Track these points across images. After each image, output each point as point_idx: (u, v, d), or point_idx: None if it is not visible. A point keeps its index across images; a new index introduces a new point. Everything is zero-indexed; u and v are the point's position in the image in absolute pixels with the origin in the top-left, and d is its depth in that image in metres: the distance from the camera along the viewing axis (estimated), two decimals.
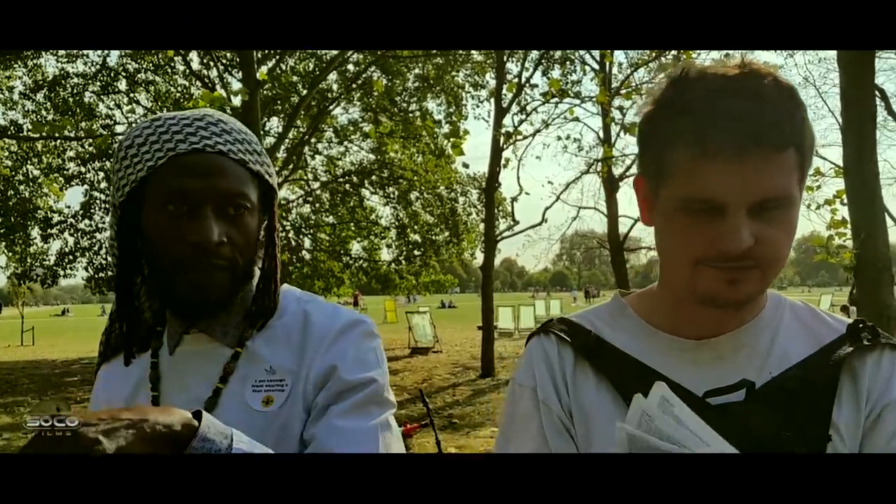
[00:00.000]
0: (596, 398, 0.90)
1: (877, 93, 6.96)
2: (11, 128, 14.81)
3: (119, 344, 1.07)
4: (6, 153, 15.79)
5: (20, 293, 25.06)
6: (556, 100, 11.13)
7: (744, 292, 0.82)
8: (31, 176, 15.81)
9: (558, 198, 14.24)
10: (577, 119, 12.69)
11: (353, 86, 14.87)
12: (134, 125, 1.00)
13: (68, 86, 15.42)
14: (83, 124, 14.92)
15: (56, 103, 15.17)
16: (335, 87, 16.30)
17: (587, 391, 0.91)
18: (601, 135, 14.04)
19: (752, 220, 0.78)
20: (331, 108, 16.10)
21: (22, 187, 15.82)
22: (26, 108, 15.69)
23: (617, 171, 13.53)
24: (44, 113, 15.35)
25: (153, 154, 0.93)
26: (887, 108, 10.44)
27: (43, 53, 14.84)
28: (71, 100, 15.30)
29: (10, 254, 16.01)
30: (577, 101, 12.71)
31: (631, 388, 0.81)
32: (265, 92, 15.40)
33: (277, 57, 15.60)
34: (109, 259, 1.09)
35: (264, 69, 14.69)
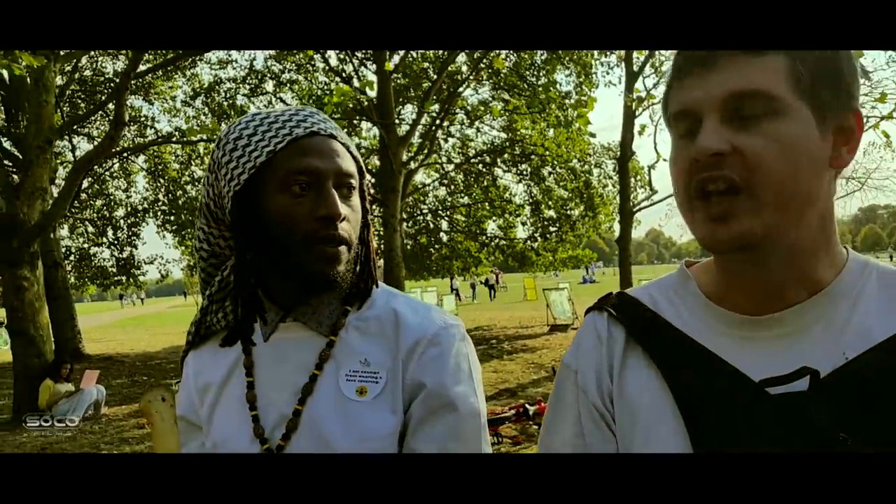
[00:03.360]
0: (644, 385, 0.79)
1: None
2: (176, 133, 16.33)
3: (210, 333, 1.12)
4: (173, 157, 17.51)
5: (193, 283, 27.64)
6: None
7: (736, 230, 0.70)
8: (195, 177, 17.42)
9: None
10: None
11: (482, 65, 14.91)
12: (234, 122, 1.03)
13: (222, 91, 16.72)
14: None
15: (212, 108, 16.50)
16: (464, 68, 16.43)
17: (635, 377, 0.80)
18: None
19: (728, 127, 0.70)
20: (461, 89, 16.28)
21: (189, 187, 17.49)
22: (187, 115, 17.25)
23: None
24: (202, 118, 16.77)
25: (269, 140, 0.96)
26: None
27: (198, 63, 16.22)
28: (225, 104, 16.57)
29: (183, 248, 17.74)
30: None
31: (679, 373, 0.76)
32: (398, 80, 15.87)
33: None
34: (197, 258, 1.13)
35: (395, 60, 15.11)
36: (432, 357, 1.00)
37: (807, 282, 0.75)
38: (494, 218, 18.44)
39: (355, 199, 1.02)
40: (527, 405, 6.38)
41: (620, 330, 0.84)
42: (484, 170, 18.10)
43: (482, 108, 17.23)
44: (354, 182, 1.01)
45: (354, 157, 1.02)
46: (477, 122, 17.80)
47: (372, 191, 15.63)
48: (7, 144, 14.20)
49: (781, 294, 0.75)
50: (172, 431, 0.99)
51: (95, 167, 15.21)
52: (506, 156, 17.48)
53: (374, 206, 17.08)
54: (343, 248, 0.98)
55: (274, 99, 17.12)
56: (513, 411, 6.28)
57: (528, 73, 16.63)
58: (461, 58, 15.83)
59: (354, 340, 1.02)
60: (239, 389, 1.03)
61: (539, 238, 17.88)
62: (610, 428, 0.81)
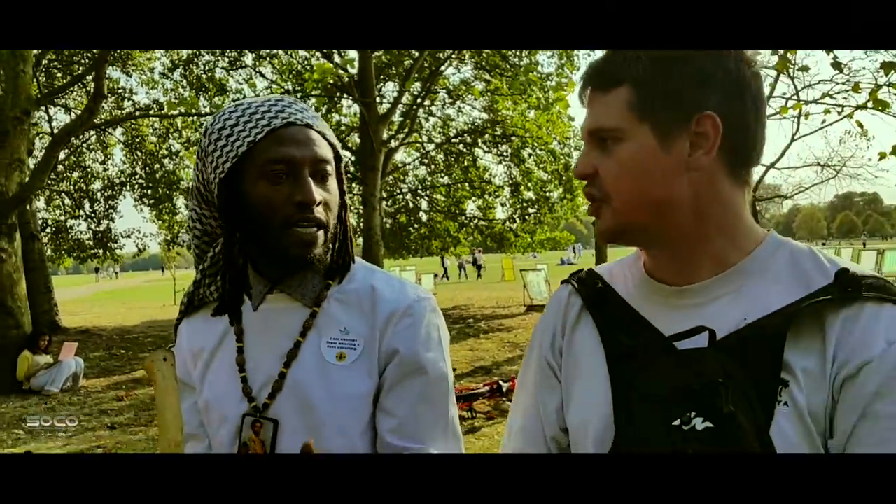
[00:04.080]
0: (587, 344, 0.95)
1: None
2: (154, 106, 16.11)
3: (203, 303, 1.21)
4: (151, 130, 17.27)
5: (171, 258, 27.39)
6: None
7: (601, 227, 0.91)
8: (173, 150, 17.22)
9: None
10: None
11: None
12: (218, 112, 1.11)
13: (200, 63, 16.47)
14: (216, 99, 15.94)
15: (191, 81, 16.24)
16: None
17: (582, 337, 0.96)
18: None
19: (595, 151, 0.89)
20: (443, 68, 16.21)
21: (166, 160, 17.28)
22: (166, 87, 16.99)
23: None
24: (180, 91, 16.55)
25: (250, 131, 1.04)
26: None
27: None
28: (204, 77, 16.34)
29: (160, 222, 17.58)
30: None
31: (613, 334, 0.92)
32: (380, 57, 15.75)
33: None
34: (191, 236, 1.21)
35: None
36: (406, 326, 1.10)
37: (713, 260, 0.88)
38: (474, 198, 18.46)
39: (332, 183, 1.10)
40: (500, 381, 6.57)
41: (577, 299, 1.00)
42: (464, 150, 18.10)
43: (464, 88, 17.20)
44: (330, 168, 1.09)
45: (331, 143, 1.10)
46: (458, 102, 17.76)
47: (351, 169, 15.65)
48: None
49: (694, 270, 0.89)
50: (174, 388, 1.08)
51: (72, 139, 15.01)
52: (486, 136, 17.49)
53: (353, 185, 17.05)
54: (319, 231, 1.06)
55: (253, 73, 16.95)
56: (487, 388, 6.46)
57: (510, 52, 16.63)
58: None
59: (335, 311, 1.12)
60: (230, 353, 1.13)
61: (518, 219, 17.98)
62: (556, 377, 0.98)
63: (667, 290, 0.91)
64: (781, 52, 5.83)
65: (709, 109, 0.83)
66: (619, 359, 0.90)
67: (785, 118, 11.11)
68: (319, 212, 1.06)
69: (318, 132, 1.08)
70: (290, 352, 1.10)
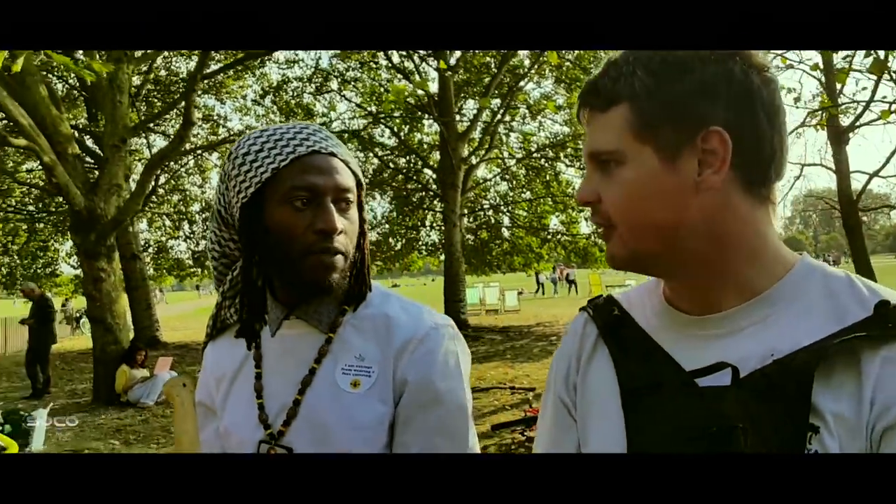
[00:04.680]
0: (602, 377, 0.88)
1: None
2: (247, 131, 16.81)
3: (226, 327, 1.22)
4: None
5: None
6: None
7: (610, 252, 0.84)
8: None
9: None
10: (791, 66, 11.18)
11: (542, 58, 14.79)
12: (243, 137, 1.11)
13: (289, 90, 17.19)
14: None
15: (280, 106, 16.99)
16: (526, 62, 16.32)
17: (597, 370, 0.90)
18: (823, 82, 12.45)
19: (597, 175, 0.82)
20: (522, 84, 16.16)
21: None
22: (257, 113, 17.82)
23: (847, 120, 11.98)
24: (271, 116, 17.30)
25: (274, 158, 1.05)
26: None
27: (267, 62, 16.75)
28: (292, 102, 17.03)
29: None
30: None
31: (629, 367, 0.84)
32: (459, 76, 15.90)
33: None
34: (210, 262, 1.22)
35: (456, 55, 15.11)
36: (421, 355, 1.08)
37: (736, 287, 0.79)
38: (557, 213, 18.27)
39: (352, 211, 1.09)
40: None
41: (594, 328, 0.93)
42: (546, 164, 17.95)
43: (544, 103, 17.09)
44: (352, 196, 1.09)
45: (354, 172, 1.10)
46: (539, 117, 17.66)
47: (433, 186, 15.74)
48: (89, 143, 15.09)
49: (717, 299, 0.81)
50: (192, 415, 1.09)
51: (172, 164, 15.92)
52: (568, 150, 17.29)
53: (434, 202, 17.23)
54: (339, 258, 1.06)
55: (338, 96, 17.49)
56: None
57: (591, 66, 16.38)
58: (522, 51, 15.75)
59: (351, 337, 1.11)
60: (248, 380, 1.14)
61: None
62: (571, 415, 0.92)
63: (687, 319, 0.84)
64: (875, 53, 5.40)
65: (715, 124, 0.75)
66: (633, 394, 0.83)
67: (889, 123, 10.35)
68: (340, 240, 1.06)
69: (342, 161, 1.08)
70: (305, 378, 1.09)
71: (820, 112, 11.02)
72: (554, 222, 18.57)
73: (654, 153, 0.77)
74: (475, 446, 1.10)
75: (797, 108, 10.65)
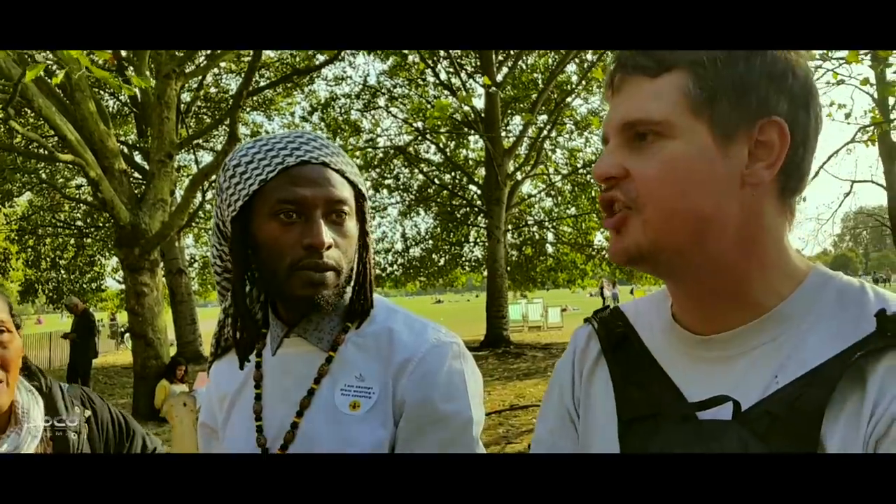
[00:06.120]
0: (602, 400, 0.84)
1: None
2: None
3: (229, 345, 1.17)
4: None
5: None
6: (817, 62, 9.68)
7: (625, 243, 0.73)
8: None
9: (817, 173, 12.43)
10: (842, 82, 10.67)
11: (590, 74, 14.61)
12: (236, 149, 1.07)
13: (337, 106, 17.36)
14: (351, 140, 16.69)
15: (328, 123, 17.17)
16: (574, 78, 16.18)
17: (598, 390, 0.86)
18: (875, 97, 11.92)
19: (625, 149, 0.73)
20: (569, 99, 15.99)
21: None
22: (305, 129, 18.00)
23: None
24: (319, 132, 17.46)
25: (262, 169, 1.00)
26: None
27: (315, 79, 16.93)
28: (340, 119, 17.19)
29: None
30: (839, 62, 10.90)
31: (628, 392, 0.80)
32: (506, 93, 15.81)
33: (514, 57, 15.88)
34: (215, 276, 1.18)
35: (503, 72, 15.01)
36: (421, 376, 1.02)
37: (747, 304, 0.74)
38: (602, 229, 17.96)
39: (348, 224, 1.04)
40: None
41: (596, 343, 0.89)
42: (592, 180, 17.66)
43: (591, 118, 16.94)
44: (347, 208, 1.03)
45: (352, 182, 1.05)
46: (586, 133, 17.47)
47: (478, 202, 15.70)
48: (138, 158, 15.44)
49: (723, 315, 0.75)
50: (190, 433, 1.09)
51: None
52: None
53: (479, 217, 17.12)
54: (329, 274, 1.00)
55: (386, 113, 17.57)
56: None
57: None
58: (570, 67, 15.56)
59: (351, 356, 1.06)
60: (248, 400, 1.11)
61: None
62: (574, 425, 0.88)
63: (693, 339, 0.78)
64: None
65: (777, 115, 0.69)
66: (631, 423, 0.78)
67: None
68: (330, 255, 1.01)
69: (336, 170, 1.04)
70: (304, 400, 1.05)
71: (871, 128, 10.56)
72: (599, 238, 18.31)
73: (709, 131, 0.70)
74: None
75: (848, 123, 10.25)
